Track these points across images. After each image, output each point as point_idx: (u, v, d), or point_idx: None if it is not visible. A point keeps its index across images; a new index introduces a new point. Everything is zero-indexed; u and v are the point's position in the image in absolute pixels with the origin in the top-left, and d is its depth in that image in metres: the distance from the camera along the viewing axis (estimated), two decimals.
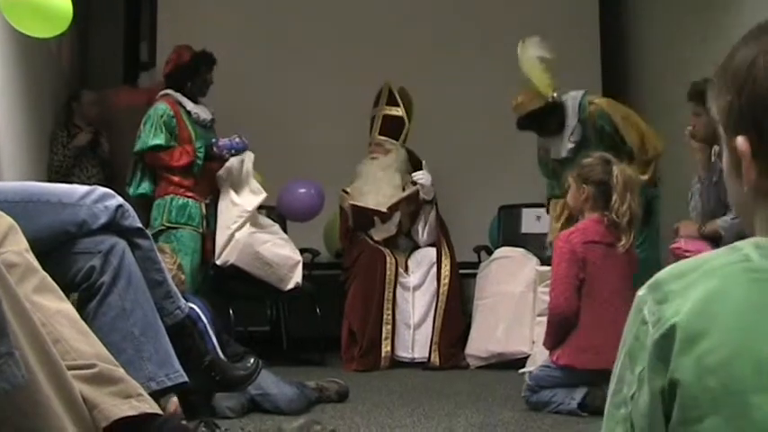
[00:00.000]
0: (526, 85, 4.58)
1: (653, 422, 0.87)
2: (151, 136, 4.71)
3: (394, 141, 5.41)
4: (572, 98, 4.58)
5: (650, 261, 4.17)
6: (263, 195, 4.82)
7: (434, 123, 5.72)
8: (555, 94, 4.55)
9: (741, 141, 0.89)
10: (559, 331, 3.53)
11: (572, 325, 3.50)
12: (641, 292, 0.90)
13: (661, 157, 4.49)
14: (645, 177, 4.29)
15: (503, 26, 6.25)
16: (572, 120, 4.55)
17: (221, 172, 4.85)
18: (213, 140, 4.81)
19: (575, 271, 3.51)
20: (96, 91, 5.81)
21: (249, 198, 4.79)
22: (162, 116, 4.73)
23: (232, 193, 4.80)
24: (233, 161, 4.81)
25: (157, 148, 4.70)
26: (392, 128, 5.40)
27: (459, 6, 6.31)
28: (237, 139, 4.78)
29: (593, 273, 3.52)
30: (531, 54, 4.53)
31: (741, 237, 0.92)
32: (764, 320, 0.83)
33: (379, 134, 5.39)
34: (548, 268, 4.66)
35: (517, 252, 5.29)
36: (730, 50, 0.92)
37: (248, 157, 4.86)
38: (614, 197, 3.52)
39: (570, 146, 4.56)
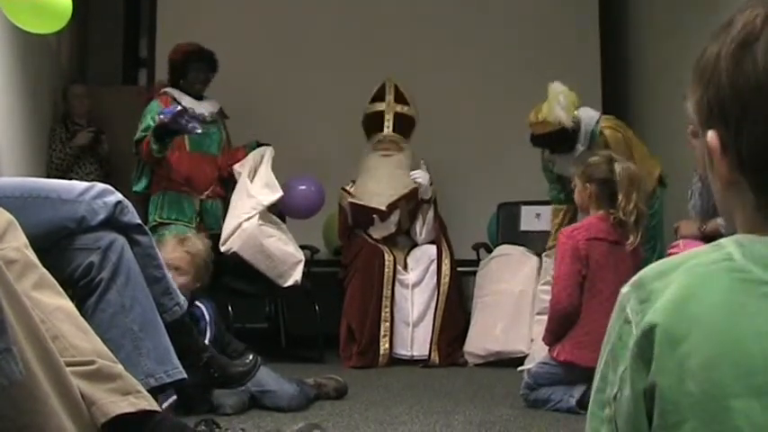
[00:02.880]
0: (545, 104, 4.54)
1: (636, 424, 0.84)
2: (138, 133, 4.76)
3: (406, 140, 5.41)
4: (585, 123, 4.56)
5: (649, 262, 4.18)
6: (279, 194, 4.83)
7: (434, 121, 5.71)
8: (576, 115, 4.54)
9: (711, 135, 0.86)
10: (560, 327, 3.53)
11: (572, 321, 3.49)
12: (625, 289, 0.88)
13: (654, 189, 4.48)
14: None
15: (503, 27, 6.26)
16: (582, 144, 4.55)
17: (237, 167, 4.90)
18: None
19: (577, 267, 3.50)
20: (86, 84, 5.81)
21: (264, 192, 4.80)
22: (150, 113, 4.76)
23: (248, 184, 4.81)
24: (253, 153, 4.91)
25: (139, 141, 4.74)
26: (404, 126, 5.40)
27: (461, 8, 6.30)
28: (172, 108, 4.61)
29: (595, 270, 3.51)
30: (561, 85, 4.55)
31: None
32: (746, 322, 0.79)
33: (393, 132, 5.36)
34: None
35: (516, 250, 5.28)
36: (702, 48, 0.91)
37: (268, 151, 4.90)
38: (620, 195, 3.51)
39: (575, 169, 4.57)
